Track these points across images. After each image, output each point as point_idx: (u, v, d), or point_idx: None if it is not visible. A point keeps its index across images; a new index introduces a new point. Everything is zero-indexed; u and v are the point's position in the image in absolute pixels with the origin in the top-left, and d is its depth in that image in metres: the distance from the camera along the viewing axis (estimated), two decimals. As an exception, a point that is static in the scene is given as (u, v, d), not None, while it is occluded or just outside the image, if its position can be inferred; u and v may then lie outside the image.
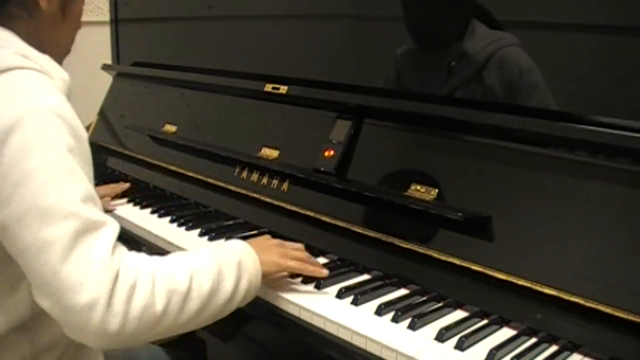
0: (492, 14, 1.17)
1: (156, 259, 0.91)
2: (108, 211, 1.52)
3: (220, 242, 1.07)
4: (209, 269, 0.93)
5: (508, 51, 1.15)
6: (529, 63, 1.10)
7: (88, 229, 0.82)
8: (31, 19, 0.97)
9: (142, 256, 0.90)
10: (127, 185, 1.66)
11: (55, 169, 0.82)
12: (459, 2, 1.25)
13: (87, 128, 2.03)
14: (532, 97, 1.12)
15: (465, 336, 0.93)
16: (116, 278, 0.82)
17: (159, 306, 0.85)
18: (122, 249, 0.87)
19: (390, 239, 1.14)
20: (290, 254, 1.10)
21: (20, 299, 0.90)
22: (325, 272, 1.11)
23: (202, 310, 0.91)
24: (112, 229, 0.86)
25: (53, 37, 1.00)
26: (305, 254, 1.13)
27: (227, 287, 0.95)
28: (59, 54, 1.02)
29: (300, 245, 1.17)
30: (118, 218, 1.52)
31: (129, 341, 0.84)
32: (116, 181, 1.72)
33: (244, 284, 0.98)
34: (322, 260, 1.22)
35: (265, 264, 1.03)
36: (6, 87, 0.86)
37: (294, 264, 1.09)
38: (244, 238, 1.31)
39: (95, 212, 0.84)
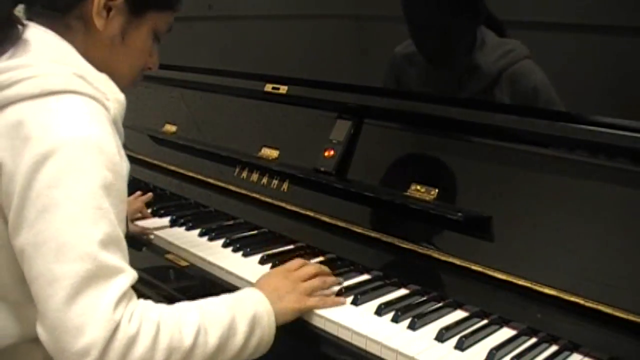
0: (494, 14, 1.17)
1: (166, 309, 0.87)
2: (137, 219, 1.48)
3: (239, 291, 1.02)
4: (220, 324, 0.89)
5: (521, 66, 1.11)
6: (543, 79, 1.08)
7: (100, 275, 0.80)
8: (89, 36, 0.95)
9: (151, 306, 0.86)
10: (151, 195, 1.58)
11: (83, 205, 0.81)
12: (467, 10, 1.23)
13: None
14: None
15: (465, 336, 0.93)
16: (116, 329, 0.79)
17: None
18: (133, 298, 0.84)
19: (390, 239, 1.14)
20: (303, 290, 1.04)
21: (35, 312, 0.88)
22: (343, 300, 1.05)
23: None
24: (126, 278, 0.83)
25: (108, 62, 0.97)
26: (318, 281, 1.07)
27: (236, 342, 0.91)
28: (116, 81, 0.97)
29: (312, 269, 1.10)
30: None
31: None
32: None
33: (254, 340, 0.94)
34: (321, 259, 1.23)
35: (281, 314, 0.99)
36: (54, 111, 0.84)
37: (312, 304, 1.03)
38: (244, 238, 1.32)
39: (113, 259, 0.82)
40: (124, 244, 0.86)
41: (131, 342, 0.80)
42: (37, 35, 0.91)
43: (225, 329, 0.90)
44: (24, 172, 0.80)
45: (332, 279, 1.10)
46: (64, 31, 0.94)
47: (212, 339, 0.88)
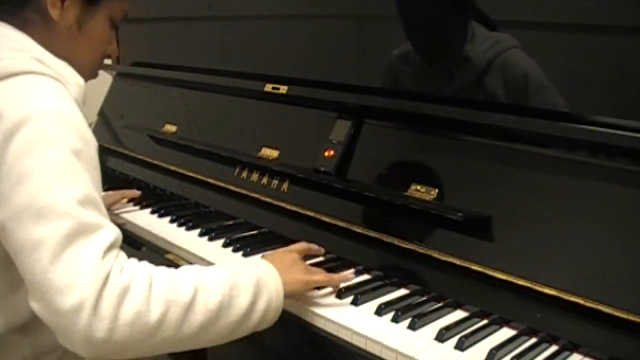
0: (490, 15, 1.17)
1: (160, 267, 0.87)
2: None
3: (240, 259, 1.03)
4: (220, 283, 0.88)
5: (510, 54, 1.14)
6: (533, 64, 1.10)
7: (82, 231, 0.80)
8: (46, 28, 0.98)
9: (144, 263, 0.86)
10: (138, 193, 1.60)
11: (56, 168, 0.82)
12: (459, 5, 1.24)
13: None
14: (542, 96, 1.11)
15: (465, 336, 0.93)
16: (106, 280, 0.78)
17: (154, 315, 0.80)
18: (120, 253, 0.84)
19: (390, 239, 1.14)
20: (311, 268, 1.06)
21: (20, 301, 0.89)
22: (351, 277, 1.09)
23: (208, 327, 0.86)
24: (109, 233, 0.83)
25: (68, 52, 0.99)
26: (325, 277, 1.07)
27: (241, 304, 0.89)
28: (77, 71, 1.00)
29: (313, 247, 1.15)
30: (118, 218, 1.52)
31: (120, 351, 0.80)
32: (117, 181, 1.72)
33: (262, 303, 0.92)
34: (321, 259, 1.23)
35: (289, 284, 0.97)
36: (16, 89, 0.86)
37: (319, 277, 1.04)
38: (244, 238, 1.32)
39: (92, 215, 0.82)
40: (102, 207, 0.87)
41: (124, 292, 0.79)
42: None
43: (226, 289, 0.88)
44: None
45: (337, 277, 1.09)
46: (22, 24, 0.97)
47: (213, 297, 0.86)
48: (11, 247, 0.82)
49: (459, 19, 1.22)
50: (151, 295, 0.81)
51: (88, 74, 1.05)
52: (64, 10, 0.98)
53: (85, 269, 0.78)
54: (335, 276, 1.07)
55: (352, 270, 1.15)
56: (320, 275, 1.05)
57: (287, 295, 0.97)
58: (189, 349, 0.87)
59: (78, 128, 0.86)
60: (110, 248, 0.82)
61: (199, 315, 0.84)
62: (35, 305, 0.80)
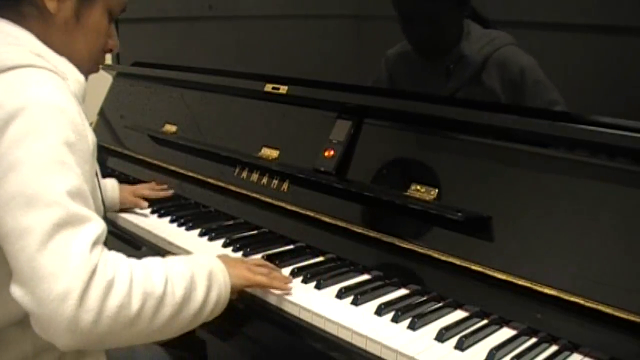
0: (489, 14, 1.17)
1: (133, 259, 0.90)
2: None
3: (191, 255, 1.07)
4: (182, 276, 0.92)
5: (506, 51, 1.15)
6: (529, 60, 1.10)
7: (70, 221, 0.81)
8: (43, 21, 0.97)
9: (120, 255, 0.88)
10: (170, 192, 1.62)
11: (47, 158, 0.82)
12: (455, 3, 1.24)
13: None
14: (538, 92, 1.11)
15: (465, 336, 0.93)
16: (93, 273, 0.80)
17: (134, 307, 0.83)
18: (103, 247, 0.85)
19: (390, 239, 1.14)
20: (255, 269, 1.09)
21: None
22: (290, 285, 1.10)
23: (174, 318, 0.89)
24: (96, 226, 0.84)
25: (66, 45, 0.99)
26: (267, 268, 1.12)
27: (198, 296, 0.93)
28: (79, 64, 1.00)
29: (260, 260, 1.17)
30: (118, 218, 1.52)
31: (98, 341, 0.82)
32: (117, 181, 1.72)
33: (213, 296, 0.96)
34: (321, 259, 1.23)
35: (234, 277, 1.02)
36: (14, 82, 0.86)
37: (261, 279, 1.08)
38: (244, 238, 1.32)
39: (81, 208, 0.83)
40: (91, 202, 0.87)
41: (109, 285, 0.81)
42: None
43: (188, 282, 0.92)
44: None
45: (278, 284, 1.10)
46: (19, 19, 0.96)
47: (178, 290, 0.90)
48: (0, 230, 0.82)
49: (456, 16, 1.22)
50: (132, 288, 0.83)
51: (87, 68, 1.05)
52: (60, 3, 0.97)
53: (73, 259, 0.79)
54: (275, 282, 1.09)
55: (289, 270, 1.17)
56: (263, 278, 1.08)
57: (232, 289, 1.01)
58: (152, 341, 0.91)
59: (73, 121, 0.86)
60: (97, 241, 0.83)
61: (168, 307, 0.88)
62: (17, 292, 0.80)
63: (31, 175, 0.81)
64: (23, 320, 0.93)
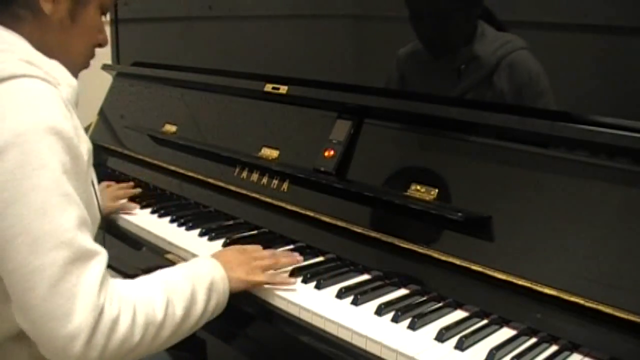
0: (496, 14, 1.17)
1: (136, 287, 0.91)
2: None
3: (195, 260, 1.08)
4: (183, 294, 0.94)
5: (518, 55, 1.14)
6: (538, 68, 1.10)
7: (78, 258, 0.82)
8: (38, 22, 0.96)
9: (125, 286, 0.90)
10: (138, 190, 1.63)
11: (50, 193, 0.82)
12: (468, 4, 1.24)
13: (87, 128, 2.03)
14: (544, 100, 1.11)
15: (465, 336, 0.93)
16: (101, 312, 0.82)
17: (137, 338, 0.86)
18: (108, 279, 0.87)
19: (390, 239, 1.14)
20: (255, 266, 1.09)
21: (13, 311, 0.89)
22: (293, 281, 1.11)
23: (172, 336, 0.93)
24: (102, 259, 0.86)
25: (61, 44, 0.99)
26: (270, 260, 1.13)
27: (198, 310, 0.96)
28: (71, 63, 0.99)
29: (261, 252, 1.15)
30: (118, 218, 1.52)
31: None
32: (117, 182, 1.72)
33: (212, 306, 0.99)
34: (321, 259, 1.23)
35: (234, 282, 1.04)
36: (6, 98, 0.84)
37: (261, 279, 1.09)
38: (244, 238, 1.32)
39: (87, 240, 0.84)
40: (89, 222, 0.88)
41: (114, 324, 0.84)
42: None
43: (188, 299, 0.95)
44: None
45: (286, 260, 1.15)
46: (12, 21, 0.95)
47: (178, 310, 0.93)
48: (1, 266, 0.82)
49: (470, 16, 1.22)
50: (135, 322, 0.86)
51: (80, 65, 1.04)
52: (55, 4, 0.96)
53: (83, 301, 0.81)
54: (278, 277, 1.11)
55: (299, 257, 1.18)
56: (263, 276, 1.09)
57: (231, 292, 1.04)
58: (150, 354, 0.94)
59: (68, 143, 0.85)
60: (104, 277, 0.85)
61: (167, 329, 0.91)
62: (25, 325, 0.82)
63: (35, 213, 0.80)
64: (20, 334, 0.92)
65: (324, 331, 1.00)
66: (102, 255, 0.86)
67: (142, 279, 0.95)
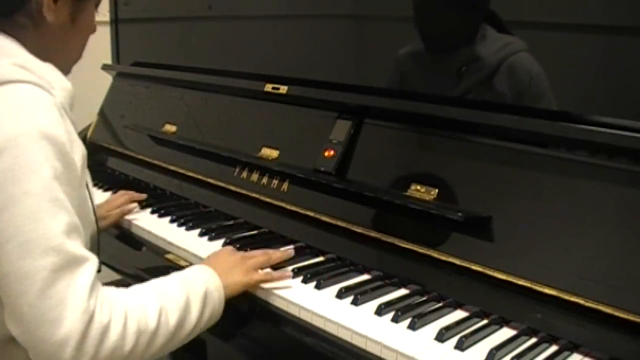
0: (496, 13, 1.17)
1: (128, 294, 0.91)
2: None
3: (189, 268, 1.07)
4: (177, 303, 0.94)
5: (519, 57, 1.14)
6: (539, 70, 1.10)
7: (69, 264, 0.82)
8: (39, 30, 0.97)
9: (116, 293, 0.90)
10: (144, 196, 1.58)
11: (41, 199, 0.82)
12: (470, 5, 1.24)
13: (87, 128, 2.03)
14: (539, 103, 1.12)
15: (465, 336, 0.93)
16: (91, 318, 0.82)
17: (128, 346, 0.86)
18: (98, 286, 0.87)
19: (390, 239, 1.14)
20: (250, 265, 1.09)
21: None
22: (289, 273, 1.12)
23: (166, 345, 0.92)
24: (92, 265, 0.86)
25: (64, 47, 1.00)
26: (263, 257, 1.13)
27: (192, 320, 0.96)
28: (69, 60, 1.01)
29: (255, 251, 1.17)
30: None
31: None
32: (117, 181, 1.72)
33: (206, 316, 0.99)
34: (321, 259, 1.23)
35: (229, 288, 1.04)
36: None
37: (259, 277, 1.09)
38: (244, 238, 1.32)
39: (77, 247, 0.85)
40: (81, 229, 0.88)
41: (105, 330, 0.83)
42: None
43: (182, 310, 0.94)
44: None
45: (278, 255, 1.15)
46: (11, 28, 0.96)
47: (171, 319, 0.92)
48: None
49: (470, 17, 1.23)
50: (126, 329, 0.86)
51: (77, 59, 1.06)
52: (57, 11, 0.97)
53: (73, 306, 0.81)
54: (275, 275, 1.12)
55: (290, 251, 1.19)
56: (260, 275, 1.10)
57: (227, 298, 1.04)
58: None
59: (60, 149, 0.85)
60: (94, 283, 0.85)
61: (161, 338, 0.91)
62: (15, 330, 0.82)
63: (26, 218, 0.81)
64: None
65: (324, 331, 1.00)
66: (91, 262, 0.86)
67: (135, 287, 0.95)
